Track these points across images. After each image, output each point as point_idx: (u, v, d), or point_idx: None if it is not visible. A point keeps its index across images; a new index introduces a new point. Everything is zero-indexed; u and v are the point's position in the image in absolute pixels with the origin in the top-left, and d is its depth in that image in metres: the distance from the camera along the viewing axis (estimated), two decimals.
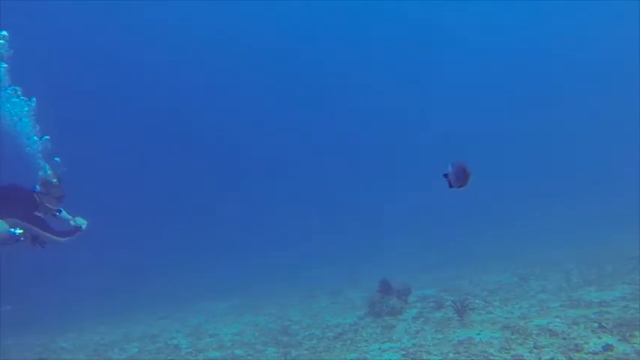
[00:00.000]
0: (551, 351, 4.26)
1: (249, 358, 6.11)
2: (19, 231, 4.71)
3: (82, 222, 5.19)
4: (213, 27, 30.52)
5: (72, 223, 5.15)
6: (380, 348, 5.39)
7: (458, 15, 33.71)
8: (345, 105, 35.43)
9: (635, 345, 4.11)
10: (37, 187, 4.95)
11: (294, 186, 31.81)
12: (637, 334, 4.37)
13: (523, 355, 4.28)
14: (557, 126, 33.47)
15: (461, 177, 3.18)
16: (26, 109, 5.40)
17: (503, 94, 35.99)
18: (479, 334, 5.22)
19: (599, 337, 4.45)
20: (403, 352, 4.99)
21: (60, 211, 5.11)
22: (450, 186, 3.27)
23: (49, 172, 4.95)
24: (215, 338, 7.65)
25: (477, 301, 7.40)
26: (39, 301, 13.57)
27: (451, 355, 4.57)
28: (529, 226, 18.17)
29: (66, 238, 5.09)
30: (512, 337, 4.88)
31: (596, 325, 4.83)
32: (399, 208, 26.66)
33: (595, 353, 4.05)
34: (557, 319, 5.29)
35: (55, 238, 4.99)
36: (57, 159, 5.14)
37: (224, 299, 12.14)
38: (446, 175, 3.27)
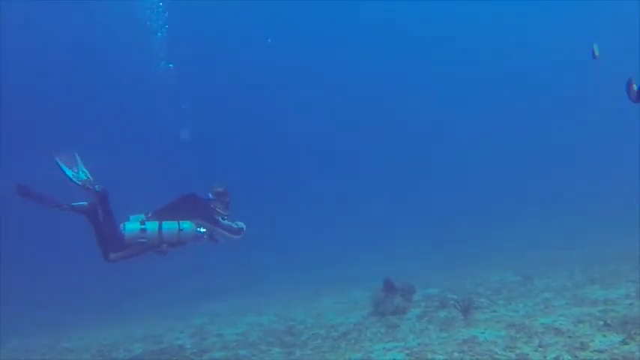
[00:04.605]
0: (557, 349, 4.25)
1: (253, 358, 6.12)
2: (202, 230, 5.76)
3: (242, 225, 6.14)
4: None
5: (234, 226, 6.10)
6: (384, 347, 5.38)
7: (459, 14, 33.71)
8: (354, 103, 35.33)
9: None
10: (210, 196, 6.05)
11: (293, 184, 31.80)
12: None
13: (528, 354, 4.27)
14: (557, 125, 33.39)
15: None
16: None
17: (502, 94, 35.95)
18: (483, 332, 5.21)
19: (605, 336, 4.44)
20: (407, 352, 4.98)
21: (226, 216, 6.13)
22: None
23: (217, 184, 6.17)
24: (219, 338, 7.66)
25: (482, 300, 7.40)
26: (43, 301, 13.60)
27: (456, 354, 4.56)
28: (530, 225, 18.15)
29: (237, 236, 6.08)
30: (517, 335, 4.87)
31: (601, 323, 4.82)
32: (399, 208, 26.65)
33: (601, 351, 4.05)
34: (562, 318, 5.29)
35: (230, 235, 6.01)
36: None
37: (227, 299, 12.15)
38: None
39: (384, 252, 16.90)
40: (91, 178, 5.38)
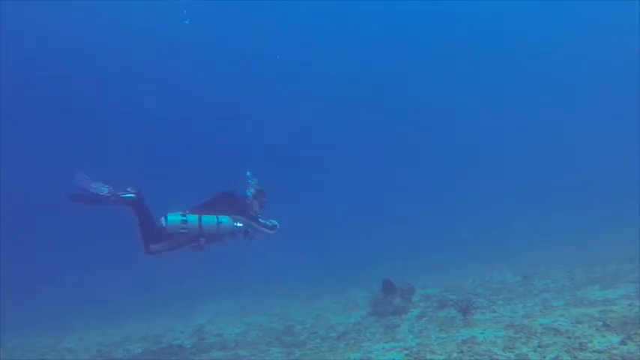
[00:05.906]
0: (556, 350, 4.24)
1: (252, 358, 6.12)
2: (239, 224, 6.11)
3: (276, 222, 6.51)
4: None
5: (269, 223, 6.44)
6: (383, 347, 5.38)
7: (460, 11, 33.68)
8: (349, 99, 35.31)
9: None
10: (248, 194, 6.45)
11: (294, 182, 31.80)
12: None
13: (527, 354, 4.27)
14: (557, 125, 33.38)
15: None
16: None
17: (502, 93, 35.94)
18: (483, 333, 5.21)
19: (604, 336, 4.44)
20: (406, 352, 4.97)
21: (260, 214, 6.48)
22: None
23: (255, 184, 6.54)
24: (219, 338, 7.66)
25: (481, 300, 7.40)
26: (43, 301, 13.60)
27: (455, 355, 4.56)
28: (531, 225, 18.14)
29: (272, 232, 6.46)
30: (516, 335, 4.86)
31: (600, 323, 4.82)
32: (399, 207, 26.64)
33: (600, 352, 4.05)
34: (562, 318, 5.28)
35: (266, 230, 6.38)
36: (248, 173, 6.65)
37: (227, 299, 12.16)
38: None
39: (383, 252, 16.90)
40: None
